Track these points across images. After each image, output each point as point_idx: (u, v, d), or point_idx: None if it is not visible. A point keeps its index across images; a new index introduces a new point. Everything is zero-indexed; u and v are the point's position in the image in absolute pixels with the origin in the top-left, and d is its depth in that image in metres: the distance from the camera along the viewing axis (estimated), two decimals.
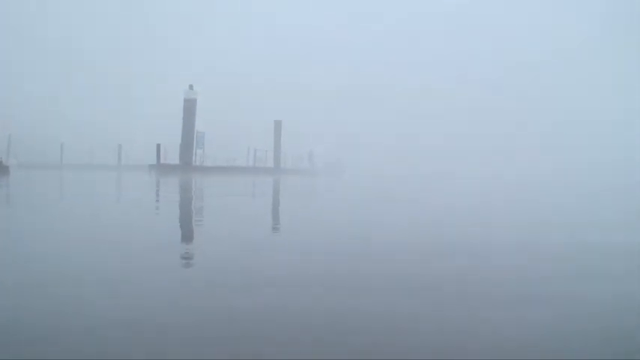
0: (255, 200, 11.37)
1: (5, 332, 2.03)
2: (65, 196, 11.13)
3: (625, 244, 4.74)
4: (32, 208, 7.77)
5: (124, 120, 47.65)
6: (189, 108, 35.05)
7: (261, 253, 3.98)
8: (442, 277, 3.15)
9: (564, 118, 64.06)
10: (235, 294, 2.66)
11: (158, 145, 34.65)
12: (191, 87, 35.39)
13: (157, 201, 10.01)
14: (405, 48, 71.72)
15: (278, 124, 43.10)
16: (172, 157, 37.02)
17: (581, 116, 62.98)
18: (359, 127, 60.01)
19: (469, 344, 1.98)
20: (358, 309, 2.40)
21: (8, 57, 36.88)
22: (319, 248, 4.30)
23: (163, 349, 1.87)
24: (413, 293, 2.74)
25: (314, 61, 68.96)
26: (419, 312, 2.39)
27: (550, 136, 63.23)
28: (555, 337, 2.08)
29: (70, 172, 29.14)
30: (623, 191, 17.56)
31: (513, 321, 2.26)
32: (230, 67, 62.33)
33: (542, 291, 2.81)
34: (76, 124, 44.34)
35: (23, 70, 49.99)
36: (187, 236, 5.18)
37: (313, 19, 73.32)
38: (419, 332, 2.11)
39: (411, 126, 61.46)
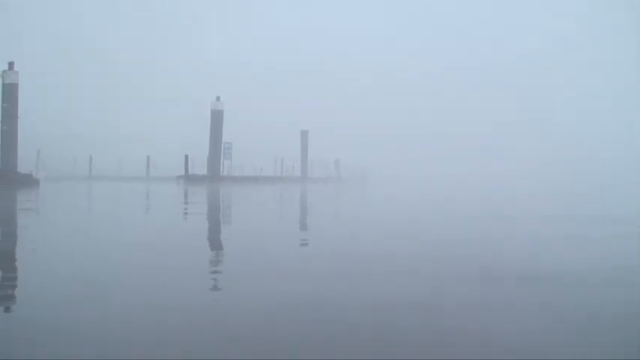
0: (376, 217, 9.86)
1: None
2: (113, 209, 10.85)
3: None
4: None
5: (150, 130, 47.60)
6: (217, 119, 34.98)
7: None
8: None
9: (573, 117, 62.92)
10: None
11: (186, 156, 34.51)
12: (218, 98, 35.34)
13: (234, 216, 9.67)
14: (414, 49, 71.31)
15: (305, 134, 42.94)
16: (199, 167, 36.84)
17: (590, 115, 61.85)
18: (380, 129, 59.29)
19: None
20: None
21: (35, 70, 37.21)
22: None
23: None
24: None
25: (336, 65, 68.63)
26: None
27: (557, 136, 62.18)
28: None
29: (100, 183, 28.93)
30: None
31: None
32: (254, 75, 62.16)
33: None
34: (103, 136, 44.38)
35: (50, 84, 50.34)
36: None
37: (327, 22, 73.36)
38: None
39: (425, 127, 60.69)
